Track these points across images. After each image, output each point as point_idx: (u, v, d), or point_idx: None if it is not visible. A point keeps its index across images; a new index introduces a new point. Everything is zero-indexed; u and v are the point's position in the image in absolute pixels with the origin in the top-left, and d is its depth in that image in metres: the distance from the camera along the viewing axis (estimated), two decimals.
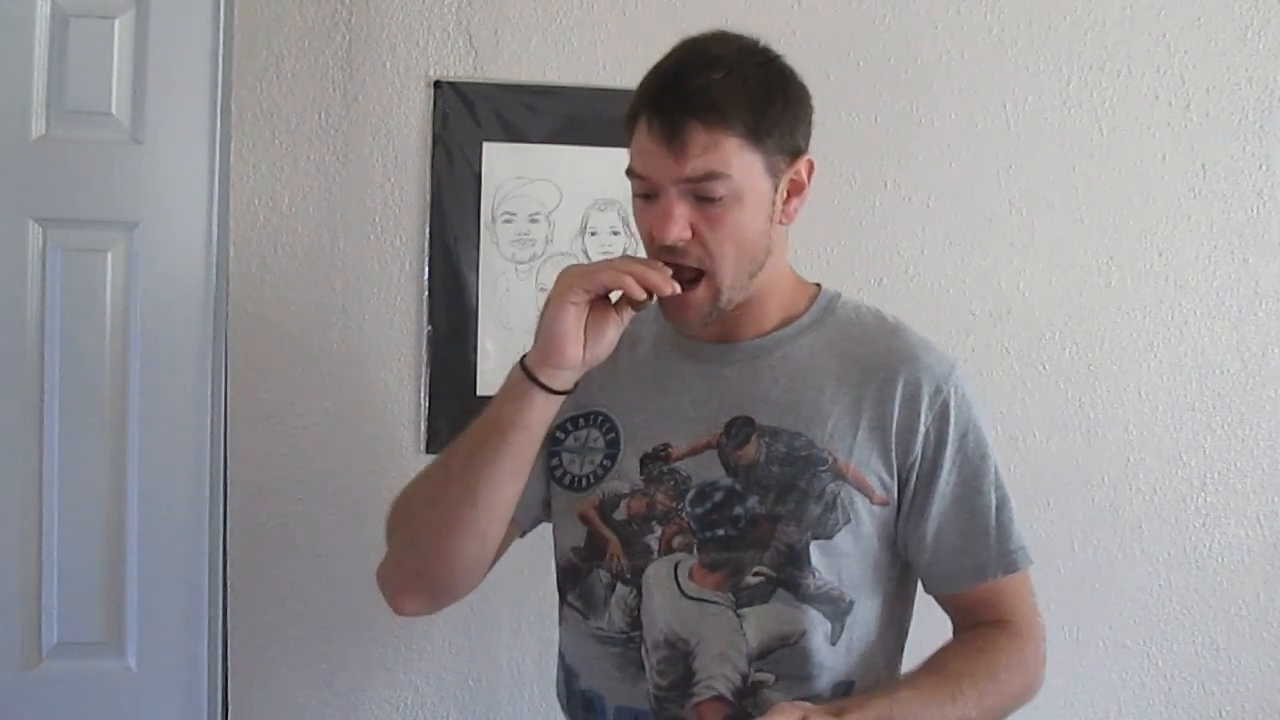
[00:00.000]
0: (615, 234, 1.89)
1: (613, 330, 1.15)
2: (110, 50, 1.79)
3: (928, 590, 1.23)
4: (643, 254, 1.18)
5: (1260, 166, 2.01)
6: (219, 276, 1.84)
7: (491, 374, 1.88)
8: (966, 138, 1.95)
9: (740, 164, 1.09)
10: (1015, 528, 1.19)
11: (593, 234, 1.89)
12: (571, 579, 1.25)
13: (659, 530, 1.18)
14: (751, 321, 1.21)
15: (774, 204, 1.14)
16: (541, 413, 1.15)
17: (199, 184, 1.83)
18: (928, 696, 1.09)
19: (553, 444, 1.26)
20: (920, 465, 1.17)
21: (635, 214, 1.17)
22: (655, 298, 1.14)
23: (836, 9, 1.92)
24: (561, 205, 1.89)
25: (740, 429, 1.17)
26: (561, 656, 1.31)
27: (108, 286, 1.81)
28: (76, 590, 1.82)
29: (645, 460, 1.20)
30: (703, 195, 1.09)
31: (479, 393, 1.87)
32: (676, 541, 1.17)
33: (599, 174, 1.88)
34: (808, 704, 1.03)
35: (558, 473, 1.26)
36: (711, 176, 1.08)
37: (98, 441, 1.82)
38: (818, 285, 1.27)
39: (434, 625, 1.89)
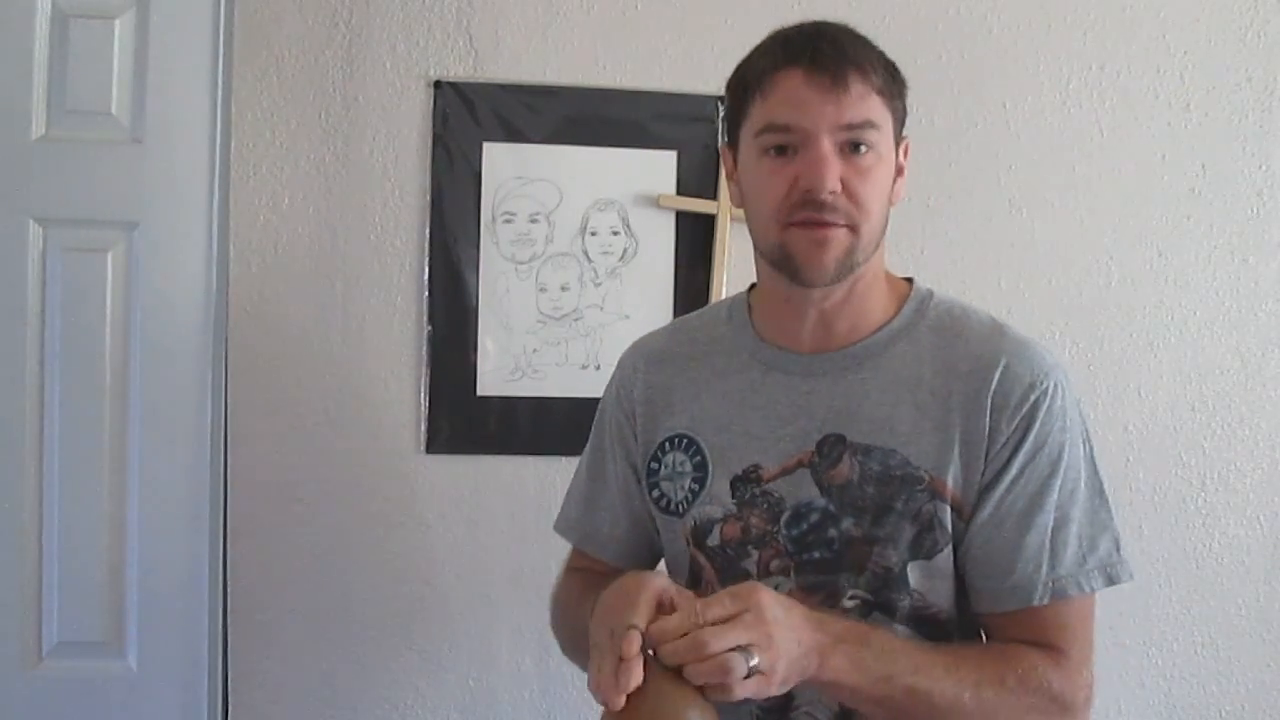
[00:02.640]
0: (615, 234, 1.89)
1: None
2: (110, 50, 1.79)
3: (974, 608, 1.13)
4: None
5: (1260, 166, 2.01)
6: (219, 276, 1.84)
7: (491, 374, 1.88)
8: (966, 138, 1.95)
9: (883, 119, 1.08)
10: (1071, 553, 1.09)
11: (593, 234, 1.89)
12: None
13: (756, 554, 1.14)
14: (843, 325, 1.15)
15: (892, 178, 1.11)
16: None
17: (199, 184, 1.83)
18: (925, 653, 1.03)
19: (650, 475, 1.23)
20: (986, 472, 1.09)
21: (760, 177, 1.10)
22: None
23: (835, 10, 1.91)
24: (561, 205, 1.89)
25: (832, 447, 1.12)
26: None
27: (108, 286, 1.82)
28: (76, 590, 1.82)
29: (736, 483, 1.16)
30: (857, 142, 1.06)
31: (479, 393, 1.88)
32: (774, 565, 1.13)
33: (599, 174, 1.88)
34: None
35: (661, 502, 1.22)
36: (870, 125, 1.06)
37: (98, 441, 1.82)
38: (908, 282, 1.20)
39: (434, 625, 1.89)
